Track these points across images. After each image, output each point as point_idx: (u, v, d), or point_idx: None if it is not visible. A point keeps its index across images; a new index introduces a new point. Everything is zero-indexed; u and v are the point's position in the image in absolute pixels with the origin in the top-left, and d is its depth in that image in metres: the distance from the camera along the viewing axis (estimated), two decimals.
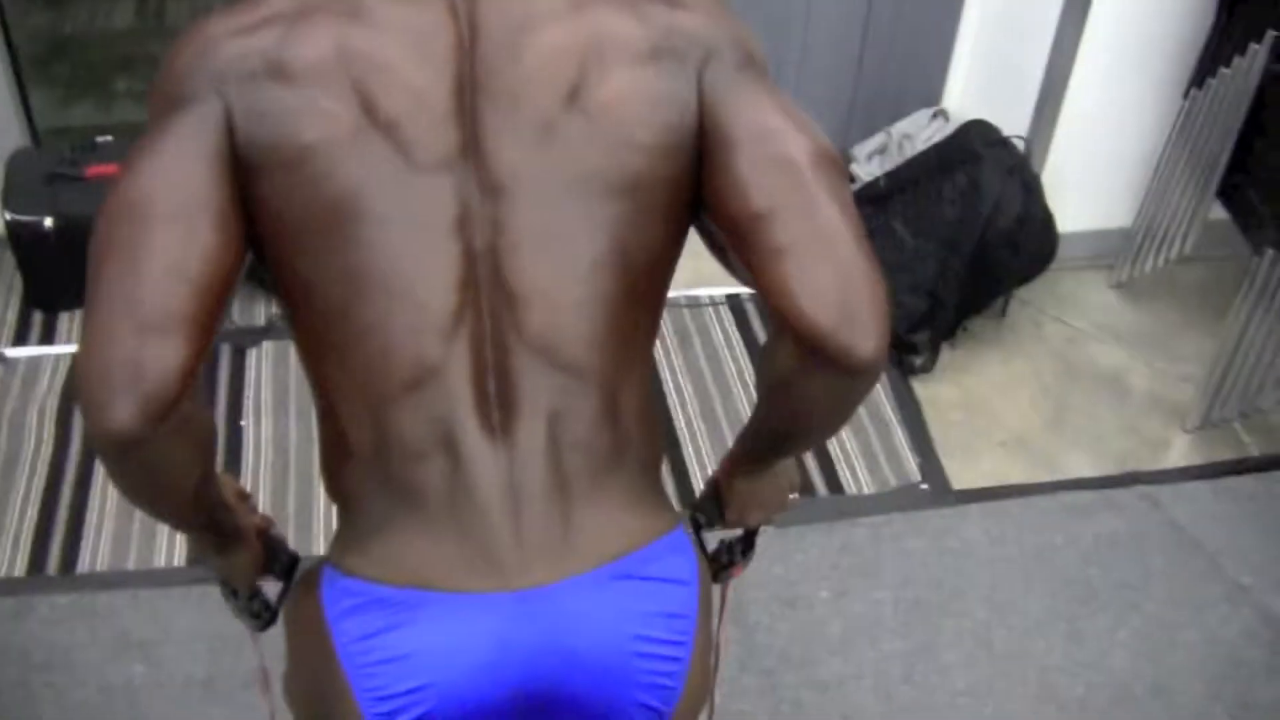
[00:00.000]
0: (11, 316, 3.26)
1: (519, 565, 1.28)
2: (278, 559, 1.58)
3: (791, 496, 1.62)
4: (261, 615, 1.60)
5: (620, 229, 1.29)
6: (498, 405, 1.29)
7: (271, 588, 1.60)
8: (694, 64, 1.28)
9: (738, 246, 1.26)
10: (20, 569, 2.68)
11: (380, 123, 1.24)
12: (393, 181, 1.25)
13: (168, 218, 1.19)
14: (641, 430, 1.38)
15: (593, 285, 1.29)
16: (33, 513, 2.78)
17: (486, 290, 1.27)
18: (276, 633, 1.53)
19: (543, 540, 1.29)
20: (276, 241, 1.28)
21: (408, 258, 1.26)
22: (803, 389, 1.27)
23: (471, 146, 1.26)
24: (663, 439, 1.51)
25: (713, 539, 1.67)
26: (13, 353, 3.15)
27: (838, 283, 1.19)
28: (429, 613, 1.28)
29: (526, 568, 1.28)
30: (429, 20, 1.27)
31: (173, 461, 1.23)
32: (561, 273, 1.28)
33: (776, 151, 1.24)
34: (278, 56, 1.24)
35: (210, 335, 1.20)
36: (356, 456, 1.33)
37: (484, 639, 1.27)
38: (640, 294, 1.34)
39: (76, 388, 1.17)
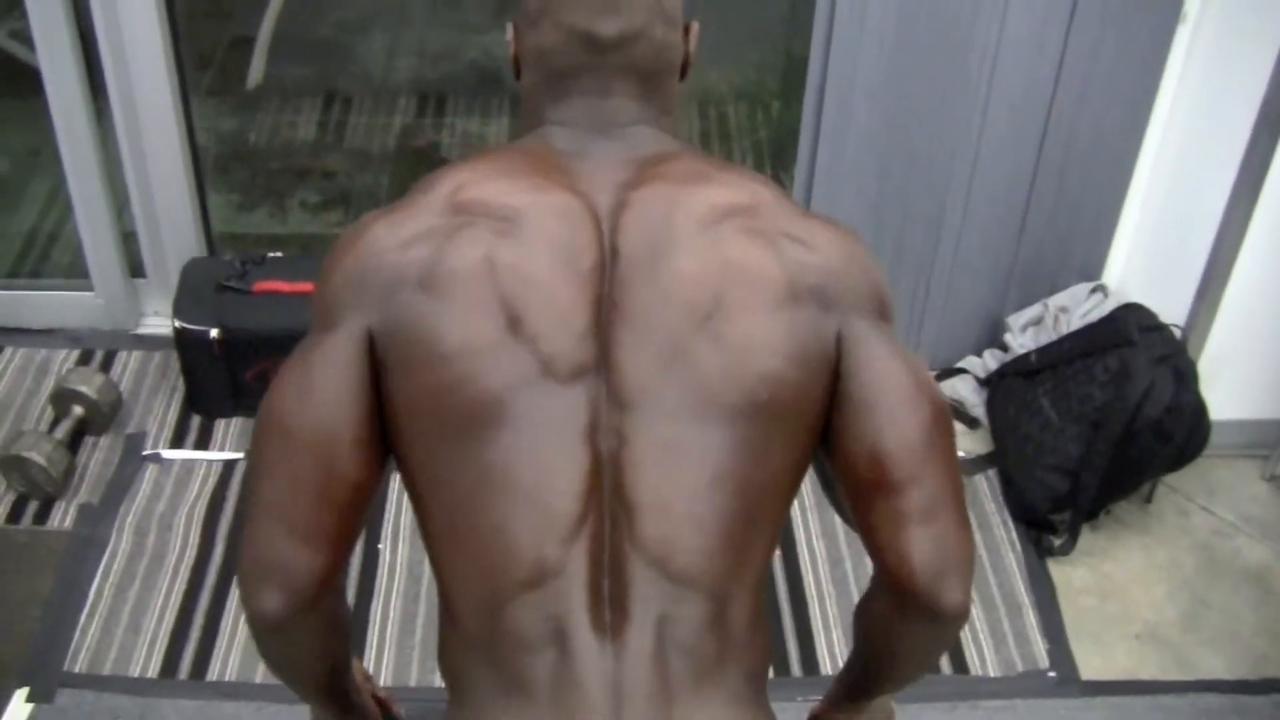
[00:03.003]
0: (172, 418, 3.38)
1: None
2: None
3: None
4: None
5: (741, 451, 1.33)
6: (610, 607, 1.32)
7: None
8: (835, 313, 1.35)
9: (854, 501, 1.36)
10: (153, 670, 2.75)
11: (524, 335, 1.30)
12: (530, 391, 1.31)
13: (311, 445, 1.33)
14: (750, 639, 1.40)
15: (709, 501, 1.32)
16: (170, 616, 2.86)
17: (609, 498, 1.31)
18: None
19: None
20: (409, 437, 1.35)
21: (538, 463, 1.31)
22: (896, 631, 1.43)
23: (604, 361, 1.31)
24: (770, 647, 1.55)
25: None
26: (169, 454, 3.26)
27: (939, 545, 1.34)
28: None
29: None
30: (579, 238, 1.33)
31: (310, 646, 1.42)
32: (680, 487, 1.32)
33: (906, 421, 1.35)
34: (431, 270, 1.31)
35: (349, 543, 1.37)
36: (469, 644, 1.37)
37: None
38: (758, 512, 1.37)
39: (238, 576, 1.35)
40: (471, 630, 1.36)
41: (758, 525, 1.37)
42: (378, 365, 1.33)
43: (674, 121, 1.50)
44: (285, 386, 1.35)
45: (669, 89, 1.49)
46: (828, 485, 1.44)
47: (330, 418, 1.33)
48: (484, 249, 1.31)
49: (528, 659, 1.32)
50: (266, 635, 1.35)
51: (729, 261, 1.33)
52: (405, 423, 1.34)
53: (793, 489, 1.42)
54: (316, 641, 1.42)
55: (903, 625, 1.40)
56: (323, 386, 1.33)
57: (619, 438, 1.31)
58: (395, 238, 1.35)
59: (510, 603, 1.32)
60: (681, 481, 1.32)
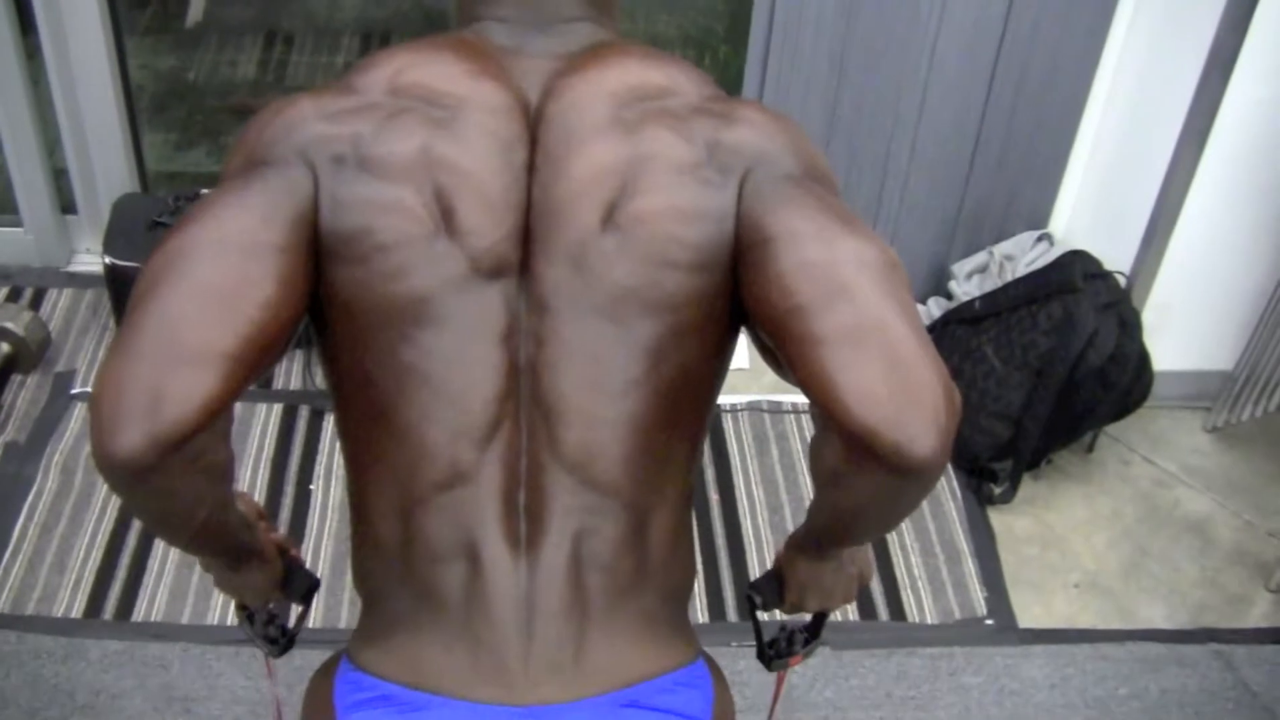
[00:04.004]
0: (102, 356, 3.29)
1: (528, 681, 1.27)
2: (296, 581, 1.58)
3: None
4: (278, 640, 1.60)
5: (655, 349, 1.29)
6: (525, 518, 1.29)
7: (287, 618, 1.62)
8: (736, 175, 1.28)
9: (781, 346, 1.20)
10: (78, 610, 2.70)
11: (456, 229, 1.26)
12: (456, 289, 1.27)
13: (237, 249, 1.19)
14: (670, 557, 1.37)
15: (627, 405, 1.29)
16: (97, 556, 2.81)
17: (525, 404, 1.29)
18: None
19: (555, 659, 1.28)
20: (338, 331, 1.31)
21: (458, 363, 1.28)
22: (852, 487, 1.20)
23: (525, 261, 1.28)
24: (694, 567, 1.49)
25: (771, 628, 1.63)
26: None
27: (886, 373, 1.11)
28: (434, 716, 1.28)
29: (535, 684, 1.27)
30: (511, 133, 1.30)
31: (181, 494, 1.20)
32: (597, 391, 1.28)
33: (820, 248, 1.20)
34: (368, 149, 1.26)
35: (244, 381, 1.16)
36: (381, 551, 1.34)
37: None
38: (677, 417, 1.33)
39: (91, 414, 1.12)
40: (383, 536, 1.33)
41: (678, 431, 1.35)
42: (320, 230, 1.26)
43: (616, 20, 1.45)
44: (214, 206, 1.23)
45: None
46: (768, 354, 1.30)
47: (268, 231, 1.21)
48: (421, 138, 1.27)
49: (439, 569, 1.29)
50: (122, 483, 1.13)
51: (638, 151, 1.28)
52: (335, 318, 1.30)
53: (710, 392, 1.38)
54: (186, 487, 1.19)
55: (858, 477, 1.17)
56: (262, 205, 1.23)
57: (536, 341, 1.28)
58: (328, 106, 1.29)
59: (421, 506, 1.29)
60: (597, 386, 1.29)
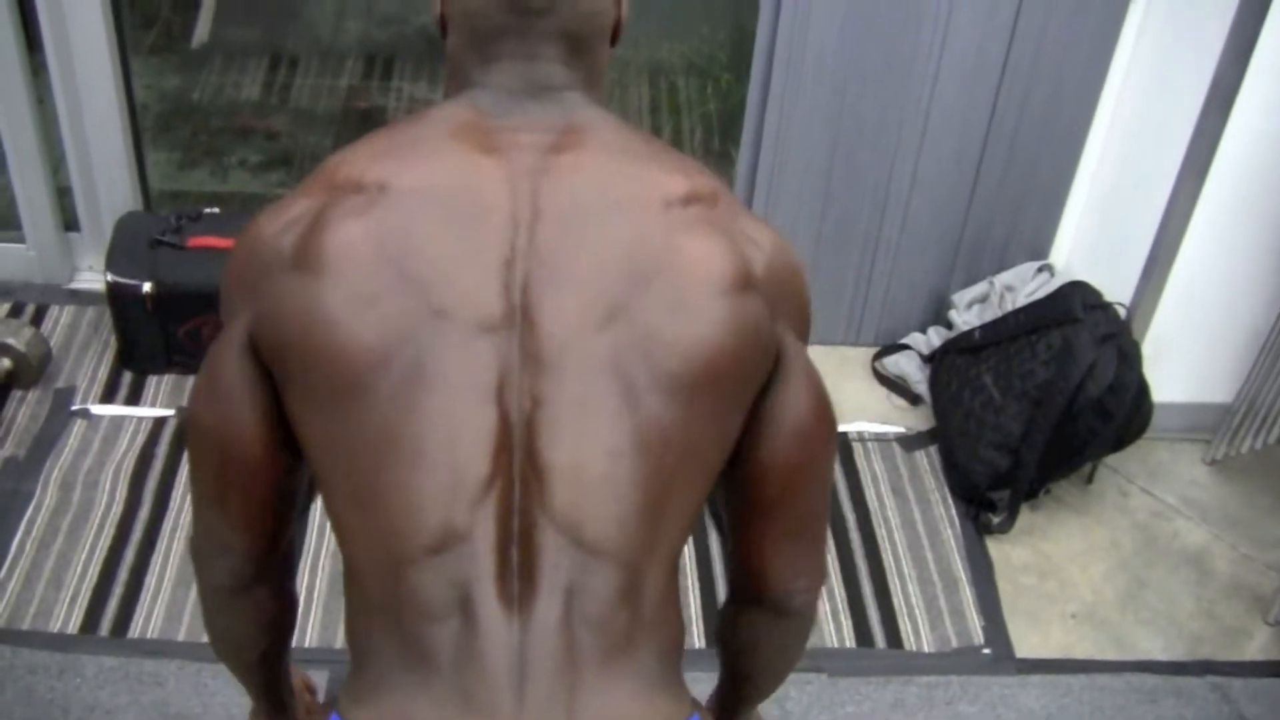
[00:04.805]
0: (103, 374, 3.32)
1: None
2: None
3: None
4: None
5: (665, 418, 1.28)
6: (519, 576, 1.26)
7: None
8: (776, 317, 1.35)
9: (733, 505, 1.44)
10: (74, 626, 2.70)
11: (411, 285, 1.26)
12: (419, 343, 1.26)
13: (220, 443, 1.36)
14: (662, 616, 1.35)
15: (626, 468, 1.28)
16: (94, 572, 2.80)
17: (519, 462, 1.26)
18: None
19: (547, 718, 1.26)
20: (300, 411, 1.32)
21: (441, 422, 1.26)
22: (754, 632, 1.53)
23: (522, 318, 1.27)
24: (683, 624, 1.49)
25: None
26: (98, 410, 3.20)
27: (799, 557, 1.44)
28: None
29: None
30: (481, 194, 1.31)
31: (242, 629, 1.50)
32: (595, 451, 1.27)
33: (801, 445, 1.40)
34: (303, 249, 1.28)
35: (279, 528, 1.41)
36: (372, 610, 1.32)
37: None
38: (676, 483, 1.32)
39: (191, 550, 1.46)
40: (374, 595, 1.31)
41: (675, 496, 1.32)
42: (263, 359, 1.31)
43: (602, 91, 1.45)
44: (198, 385, 1.38)
45: (599, 54, 1.43)
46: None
47: (231, 417, 1.34)
48: (358, 219, 1.27)
49: (430, 628, 1.27)
50: (216, 603, 1.46)
51: (675, 242, 1.29)
52: (294, 400, 1.30)
53: (715, 463, 1.37)
54: (248, 625, 1.49)
55: (761, 626, 1.50)
56: (222, 387, 1.34)
57: (533, 398, 1.26)
58: (273, 226, 1.32)
59: (413, 567, 1.26)
60: (597, 445, 1.27)
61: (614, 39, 1.45)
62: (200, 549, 1.43)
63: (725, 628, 1.56)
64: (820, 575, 1.47)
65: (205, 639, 2.55)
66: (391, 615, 1.29)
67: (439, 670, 1.26)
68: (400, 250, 1.26)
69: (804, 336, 1.40)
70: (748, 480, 1.39)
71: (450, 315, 1.25)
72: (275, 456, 1.35)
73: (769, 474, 1.37)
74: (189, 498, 1.48)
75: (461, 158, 1.32)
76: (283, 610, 1.52)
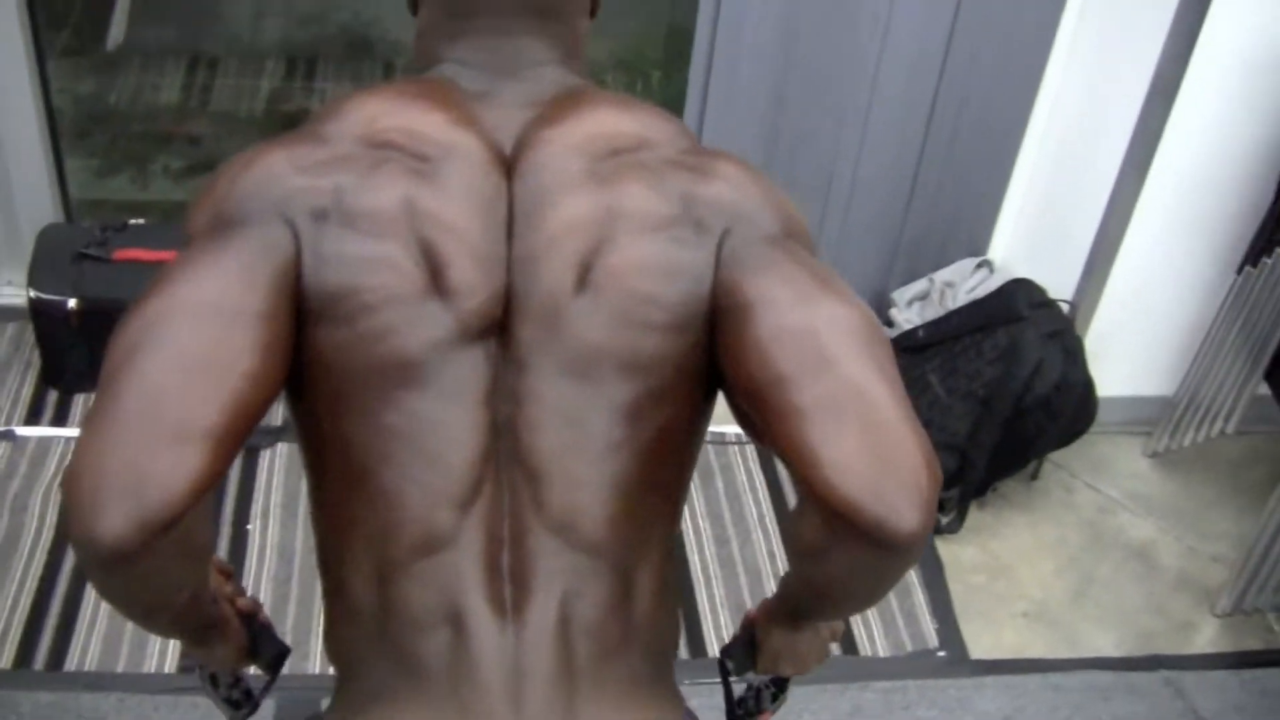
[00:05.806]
0: (26, 394, 3.21)
1: None
2: (264, 648, 1.51)
3: (832, 647, 1.55)
4: (241, 705, 1.54)
5: (633, 410, 1.25)
6: (510, 581, 1.24)
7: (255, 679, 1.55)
8: (714, 233, 1.24)
9: (760, 416, 1.18)
10: (6, 661, 2.61)
11: (445, 289, 1.21)
12: (443, 350, 1.22)
13: (219, 316, 1.14)
14: (656, 617, 1.33)
15: (608, 467, 1.25)
16: (25, 603, 2.71)
17: (506, 465, 1.24)
18: None
19: None
20: (316, 391, 1.25)
21: (438, 426, 1.23)
22: (831, 563, 1.17)
23: (504, 319, 1.24)
24: (678, 626, 1.46)
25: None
26: (23, 431, 3.10)
27: (869, 447, 1.09)
28: None
29: None
30: (491, 186, 1.25)
31: (164, 577, 1.14)
32: (578, 453, 1.25)
33: (799, 315, 1.18)
34: (351, 202, 1.20)
35: (230, 458, 1.11)
36: (358, 620, 1.29)
37: None
38: (659, 478, 1.30)
39: (65, 489, 1.06)
40: (360, 604, 1.27)
41: (660, 492, 1.31)
42: (296, 294, 1.20)
43: (583, 63, 1.41)
44: (188, 269, 1.17)
45: (576, 28, 1.39)
46: (746, 423, 1.26)
47: (250, 298, 1.15)
48: (403, 189, 1.21)
49: (421, 638, 1.24)
50: (105, 567, 1.05)
51: (611, 205, 1.24)
52: (315, 379, 1.24)
53: (689, 451, 1.34)
54: (171, 570, 1.14)
55: (837, 552, 1.14)
56: (240, 269, 1.17)
57: (515, 401, 1.24)
58: (304, 158, 1.23)
59: (401, 570, 1.24)
60: (578, 447, 1.24)
61: (593, 12, 1.42)
62: (102, 483, 1.04)
63: (790, 534, 1.25)
64: (912, 477, 1.08)
65: (147, 669, 2.53)
66: (379, 625, 1.26)
67: (431, 681, 1.24)
68: (439, 241, 1.22)
69: (790, 236, 1.26)
70: (747, 376, 1.19)
71: (466, 324, 1.22)
72: (272, 356, 1.16)
73: (762, 355, 1.17)
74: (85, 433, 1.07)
75: (470, 138, 1.27)
76: (207, 551, 1.25)
